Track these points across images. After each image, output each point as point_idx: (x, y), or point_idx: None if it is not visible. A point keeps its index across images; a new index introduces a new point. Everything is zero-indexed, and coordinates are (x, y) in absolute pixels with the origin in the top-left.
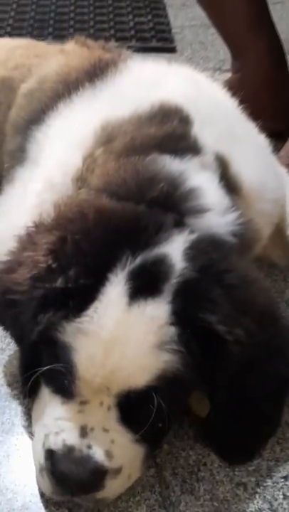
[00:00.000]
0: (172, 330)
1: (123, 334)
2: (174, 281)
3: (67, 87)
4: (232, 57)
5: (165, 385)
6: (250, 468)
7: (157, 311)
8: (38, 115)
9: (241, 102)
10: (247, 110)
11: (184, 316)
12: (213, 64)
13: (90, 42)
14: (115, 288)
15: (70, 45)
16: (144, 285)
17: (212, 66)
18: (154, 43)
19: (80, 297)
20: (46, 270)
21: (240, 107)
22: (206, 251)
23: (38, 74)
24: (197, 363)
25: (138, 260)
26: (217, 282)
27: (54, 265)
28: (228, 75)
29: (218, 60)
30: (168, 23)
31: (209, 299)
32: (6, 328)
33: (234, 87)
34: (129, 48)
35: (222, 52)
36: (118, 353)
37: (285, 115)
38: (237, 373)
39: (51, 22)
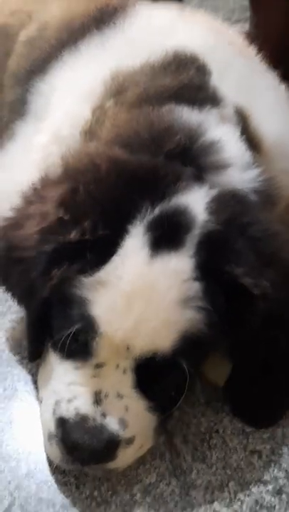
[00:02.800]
0: (196, 285)
1: (145, 287)
2: (196, 232)
3: (73, 35)
4: (251, 9)
5: (189, 346)
6: (265, 436)
7: (180, 264)
8: (40, 65)
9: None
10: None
11: (209, 269)
12: (222, 14)
13: None
14: (135, 239)
15: None
16: (165, 236)
17: (221, 16)
18: None
19: (99, 249)
20: (57, 222)
21: (260, 56)
22: (229, 204)
23: (38, 20)
24: (222, 321)
25: (157, 210)
26: (241, 234)
27: (66, 217)
28: (238, 25)
29: (227, 10)
30: None
31: (235, 251)
32: (11, 288)
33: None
34: None
35: (231, 1)
36: (141, 306)
37: None
38: (262, 330)
39: None
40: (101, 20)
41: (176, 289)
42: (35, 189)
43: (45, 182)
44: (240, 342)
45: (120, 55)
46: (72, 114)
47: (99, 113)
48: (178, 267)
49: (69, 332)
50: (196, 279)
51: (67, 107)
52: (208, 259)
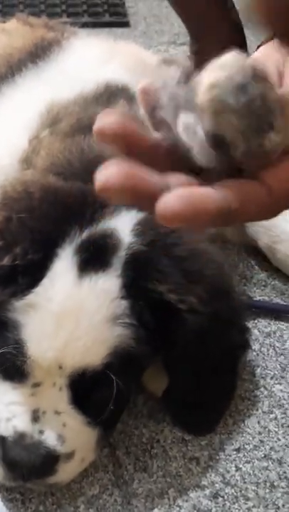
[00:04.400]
0: (124, 303)
1: (74, 307)
2: (122, 253)
3: (11, 69)
4: (190, 38)
5: (118, 361)
6: (203, 443)
7: (108, 284)
8: None
9: None
10: None
11: (134, 288)
12: (167, 38)
13: (32, 19)
14: (64, 262)
15: (12, 24)
16: (93, 258)
17: (166, 40)
18: (106, 18)
19: (29, 273)
20: None
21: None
22: (154, 227)
23: None
24: (151, 336)
25: (85, 234)
26: (165, 254)
27: (0, 243)
28: (183, 48)
29: (172, 34)
30: None
31: (158, 270)
32: None
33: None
34: (81, 23)
35: (176, 25)
36: (70, 325)
37: None
38: (192, 344)
39: None
40: (36, 54)
41: (105, 307)
42: None
43: None
44: (173, 355)
45: (55, 87)
46: (11, 144)
47: (35, 142)
48: (105, 287)
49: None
50: (123, 297)
51: (7, 138)
52: (134, 279)
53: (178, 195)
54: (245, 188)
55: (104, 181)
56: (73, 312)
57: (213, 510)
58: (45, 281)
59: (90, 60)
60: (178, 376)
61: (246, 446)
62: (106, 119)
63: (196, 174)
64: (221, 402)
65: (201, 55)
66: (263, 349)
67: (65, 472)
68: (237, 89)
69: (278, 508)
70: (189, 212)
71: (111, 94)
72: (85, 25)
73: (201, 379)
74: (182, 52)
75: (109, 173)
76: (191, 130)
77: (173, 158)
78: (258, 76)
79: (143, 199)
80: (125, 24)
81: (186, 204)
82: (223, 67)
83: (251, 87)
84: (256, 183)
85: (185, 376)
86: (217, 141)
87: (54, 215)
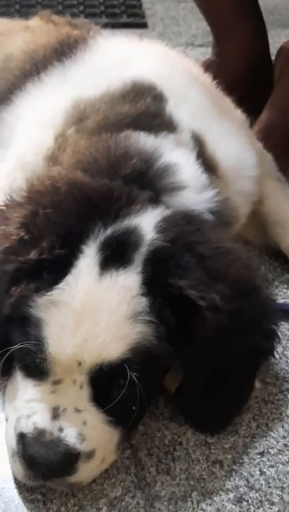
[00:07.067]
0: (144, 300)
1: (95, 304)
2: (143, 250)
3: (35, 66)
4: (214, 39)
5: (138, 358)
6: (226, 446)
7: (128, 281)
8: (5, 95)
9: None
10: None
11: (154, 284)
12: (185, 39)
13: (55, 17)
14: (88, 259)
15: (35, 22)
16: (115, 255)
17: (184, 41)
18: (124, 19)
19: (55, 269)
20: (18, 242)
21: (216, 83)
22: (179, 224)
23: (3, 52)
24: (171, 334)
25: (109, 231)
26: (188, 251)
27: (26, 237)
28: (201, 50)
29: (190, 35)
30: None
31: (179, 265)
32: None
33: (213, 72)
34: (98, 24)
35: (194, 27)
36: (90, 323)
37: (263, 102)
38: (212, 341)
39: None
40: (61, 51)
41: (125, 304)
42: (0, 211)
43: (10, 204)
44: (190, 353)
45: (81, 85)
46: (36, 141)
47: (61, 140)
48: (126, 284)
49: (21, 348)
50: (143, 294)
51: (31, 135)
52: (154, 275)
53: None
54: None
55: None
56: (93, 309)
57: None
58: (69, 278)
59: (116, 58)
60: (193, 374)
61: (270, 450)
62: None
63: None
64: (235, 403)
65: (224, 57)
66: (286, 352)
67: (86, 472)
68: None
69: None
70: None
71: (138, 93)
72: (102, 26)
73: (217, 379)
74: (200, 54)
75: None
76: None
77: None
78: None
79: None
80: (143, 25)
81: None
82: None
83: None
84: None
85: (200, 374)
86: None
87: (79, 211)
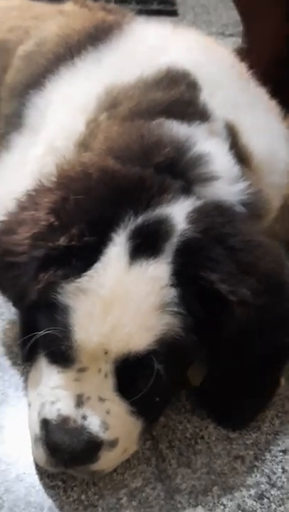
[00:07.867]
0: (173, 291)
1: (123, 293)
2: (174, 240)
3: (69, 50)
4: (244, 29)
5: (165, 349)
6: (248, 442)
7: (158, 271)
8: (37, 79)
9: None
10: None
11: (184, 276)
12: (216, 28)
13: (89, 2)
14: (117, 247)
15: (69, 6)
16: (145, 244)
17: (215, 30)
18: (155, 6)
19: (84, 256)
20: (48, 228)
21: (251, 72)
22: (210, 215)
23: (36, 36)
24: (199, 326)
25: (140, 220)
26: (219, 243)
27: (56, 223)
28: (232, 39)
29: (221, 25)
30: None
31: (211, 258)
32: (5, 291)
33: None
34: (129, 10)
35: (225, 16)
36: (118, 311)
37: None
38: (239, 336)
39: None
40: (96, 37)
41: (153, 295)
42: (29, 195)
43: (40, 189)
44: (217, 347)
45: (115, 71)
46: (67, 126)
47: (93, 126)
48: (155, 274)
49: (47, 334)
50: (172, 285)
51: (63, 120)
52: (185, 266)
53: None
54: None
55: None
56: (122, 298)
57: (259, 511)
58: (98, 266)
59: (151, 45)
60: (218, 368)
61: None
62: None
63: None
64: (259, 399)
65: (255, 46)
66: None
67: (108, 460)
68: None
69: None
70: None
71: (172, 79)
72: (133, 12)
73: (241, 374)
74: (231, 44)
75: None
76: None
77: None
78: None
79: None
80: (173, 13)
81: None
82: None
83: None
84: None
85: (226, 369)
86: None
87: (110, 198)
